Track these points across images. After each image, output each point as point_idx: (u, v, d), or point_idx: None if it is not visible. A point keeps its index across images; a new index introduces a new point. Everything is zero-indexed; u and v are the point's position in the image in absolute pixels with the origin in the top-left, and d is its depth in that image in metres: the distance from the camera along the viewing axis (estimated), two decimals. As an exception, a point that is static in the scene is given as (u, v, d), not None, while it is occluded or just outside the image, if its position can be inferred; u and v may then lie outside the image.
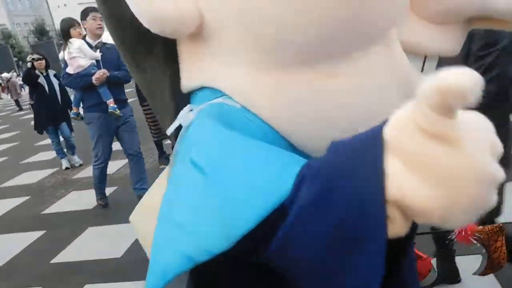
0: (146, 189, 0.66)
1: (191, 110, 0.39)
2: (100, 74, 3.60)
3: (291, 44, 0.33)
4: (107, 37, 3.62)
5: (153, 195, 0.51)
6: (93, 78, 3.57)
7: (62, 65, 3.92)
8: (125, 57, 0.53)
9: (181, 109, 0.40)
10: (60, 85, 5.29)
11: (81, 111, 3.95)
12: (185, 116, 0.38)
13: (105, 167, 3.89)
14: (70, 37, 3.67)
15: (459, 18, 0.38)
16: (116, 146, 3.95)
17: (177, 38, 0.39)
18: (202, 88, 0.40)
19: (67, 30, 3.71)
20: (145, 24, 0.36)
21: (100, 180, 3.95)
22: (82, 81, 3.63)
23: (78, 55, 3.61)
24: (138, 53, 0.46)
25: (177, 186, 0.37)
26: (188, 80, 0.41)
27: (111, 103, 3.65)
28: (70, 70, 3.63)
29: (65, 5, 48.46)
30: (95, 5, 0.57)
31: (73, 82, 3.71)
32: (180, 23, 0.34)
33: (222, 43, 0.37)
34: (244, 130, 0.34)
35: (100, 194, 4.04)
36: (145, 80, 0.49)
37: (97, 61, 3.65)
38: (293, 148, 0.36)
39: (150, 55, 0.44)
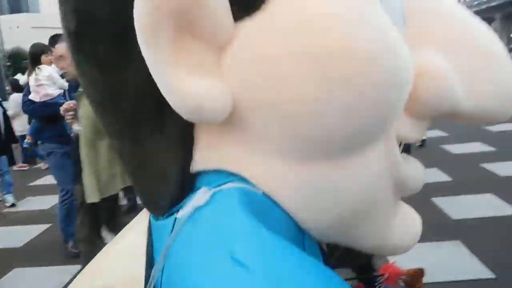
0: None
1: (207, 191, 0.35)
2: (70, 105, 3.30)
3: (329, 141, 0.33)
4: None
5: (125, 239, 0.48)
6: (62, 109, 3.26)
7: (24, 91, 3.73)
8: (113, 124, 0.39)
9: (186, 186, 0.37)
10: (4, 114, 4.92)
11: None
12: (202, 197, 0.34)
13: (74, 201, 3.54)
14: (40, 63, 3.47)
15: (432, 116, 0.41)
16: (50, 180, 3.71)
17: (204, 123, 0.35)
18: (215, 170, 0.36)
19: (38, 55, 3.50)
20: (175, 108, 0.31)
21: (70, 221, 3.47)
22: (49, 110, 3.39)
23: (46, 83, 3.41)
24: (141, 128, 0.37)
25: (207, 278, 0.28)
26: (203, 160, 0.36)
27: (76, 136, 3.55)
28: (34, 97, 3.40)
29: (18, 27, 46.92)
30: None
31: (37, 110, 3.47)
32: (214, 113, 0.31)
33: (249, 130, 0.34)
34: (269, 216, 0.33)
35: (68, 234, 3.59)
36: (139, 154, 0.39)
37: (64, 91, 3.51)
38: (298, 228, 0.36)
39: (158, 134, 0.36)
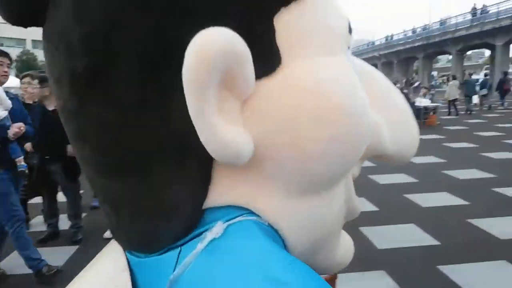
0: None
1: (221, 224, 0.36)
2: (20, 128, 3.20)
3: (326, 178, 0.40)
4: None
5: (99, 265, 0.47)
6: (11, 132, 3.11)
7: None
8: (109, 160, 0.38)
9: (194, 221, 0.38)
10: None
11: None
12: (218, 230, 0.36)
13: (24, 227, 3.33)
14: None
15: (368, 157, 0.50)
16: None
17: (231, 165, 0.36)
18: (224, 205, 0.38)
19: None
20: (214, 153, 0.33)
21: (27, 246, 3.28)
22: None
23: None
24: (154, 166, 0.36)
25: None
26: (216, 197, 0.38)
27: (20, 161, 3.26)
28: None
29: None
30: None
31: None
32: (245, 158, 0.35)
33: (261, 170, 0.38)
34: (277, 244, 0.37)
35: (37, 260, 3.32)
36: (144, 190, 0.37)
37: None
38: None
39: (176, 172, 0.36)
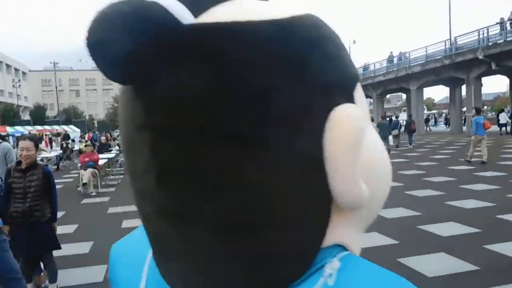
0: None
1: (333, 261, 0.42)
2: None
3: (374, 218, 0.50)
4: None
5: None
6: None
7: None
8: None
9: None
10: None
11: None
12: (335, 265, 0.41)
13: None
14: None
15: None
16: None
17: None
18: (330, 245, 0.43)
19: None
20: (353, 202, 0.41)
21: None
22: None
23: None
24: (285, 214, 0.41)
25: None
26: (333, 237, 0.42)
27: None
28: None
29: None
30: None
31: None
32: (362, 205, 0.42)
33: (360, 214, 0.44)
34: None
35: None
36: (262, 243, 0.41)
37: None
38: None
39: (304, 218, 0.41)
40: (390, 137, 18.48)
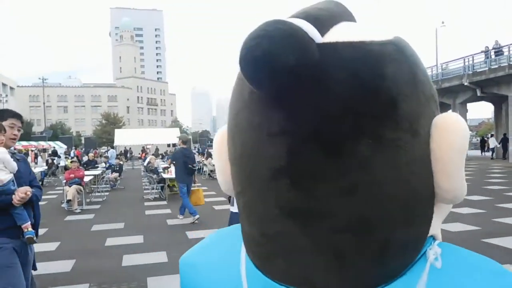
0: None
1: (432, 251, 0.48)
2: (27, 193, 2.83)
3: None
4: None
5: None
6: (16, 198, 2.76)
7: None
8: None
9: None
10: None
11: None
12: (436, 250, 0.48)
13: None
14: None
15: None
16: None
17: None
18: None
19: None
20: (460, 195, 0.48)
21: None
22: (1, 200, 2.79)
23: None
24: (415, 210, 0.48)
25: None
26: (430, 229, 0.49)
27: (27, 227, 2.88)
28: None
29: None
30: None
31: None
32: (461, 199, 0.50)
33: (448, 206, 0.53)
34: None
35: None
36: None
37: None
38: None
39: (426, 215, 0.49)
40: None
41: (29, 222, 2.94)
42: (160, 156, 26.84)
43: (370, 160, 0.43)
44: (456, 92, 26.54)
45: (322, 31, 0.45)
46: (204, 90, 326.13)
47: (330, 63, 0.42)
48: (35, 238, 2.97)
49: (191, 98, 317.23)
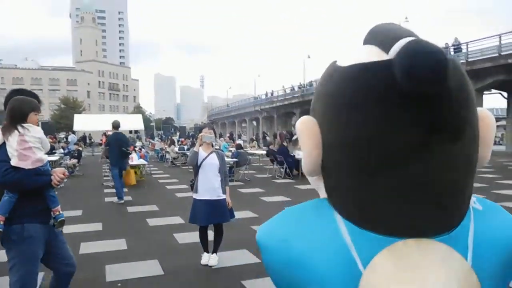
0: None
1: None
2: (65, 173, 2.82)
3: None
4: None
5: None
6: (56, 178, 2.70)
7: None
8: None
9: None
10: None
11: None
12: (474, 201, 0.75)
13: None
14: (26, 122, 2.71)
15: None
16: None
17: None
18: None
19: (26, 112, 2.72)
20: (481, 165, 0.73)
21: None
22: (40, 180, 2.70)
23: (36, 146, 2.68)
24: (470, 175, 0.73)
25: None
26: None
27: (58, 210, 2.83)
28: (20, 163, 2.60)
29: None
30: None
31: (27, 180, 2.63)
32: None
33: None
34: None
35: None
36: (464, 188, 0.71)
37: None
38: None
39: (472, 178, 0.72)
40: None
41: (59, 205, 2.86)
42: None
43: (471, 140, 0.67)
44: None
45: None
46: (168, 77, 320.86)
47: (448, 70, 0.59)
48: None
49: (154, 85, 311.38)
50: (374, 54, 0.64)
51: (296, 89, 44.43)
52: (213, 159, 4.74)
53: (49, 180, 2.72)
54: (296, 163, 14.27)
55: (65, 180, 2.83)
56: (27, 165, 2.62)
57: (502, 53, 21.15)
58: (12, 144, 2.61)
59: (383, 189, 0.63)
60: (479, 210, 0.72)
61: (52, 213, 2.81)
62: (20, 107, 2.72)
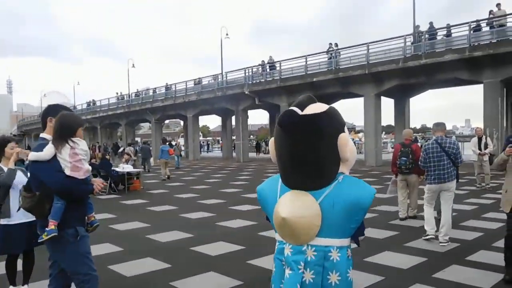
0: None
1: None
2: (103, 183, 3.27)
3: None
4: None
5: None
6: (97, 187, 3.10)
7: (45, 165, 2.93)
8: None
9: None
10: None
11: None
12: (340, 177, 1.87)
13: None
14: (75, 136, 3.01)
15: None
16: None
17: None
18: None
19: (75, 128, 3.03)
20: (345, 160, 1.90)
21: None
22: (87, 189, 3.05)
23: (84, 158, 3.02)
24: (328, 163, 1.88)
25: None
26: (339, 170, 1.87)
27: (94, 216, 3.22)
28: (74, 174, 2.93)
29: None
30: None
31: (79, 188, 2.97)
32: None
33: (349, 163, 1.93)
34: None
35: None
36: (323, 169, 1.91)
37: None
38: None
39: (337, 165, 1.92)
40: (151, 159, 22.79)
41: (93, 212, 3.24)
42: None
43: (320, 148, 1.80)
44: (239, 99, 29.17)
45: (302, 109, 1.83)
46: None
47: (301, 121, 1.80)
48: None
49: None
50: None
51: (126, 98, 42.70)
52: (22, 177, 4.17)
53: (92, 189, 3.06)
54: (120, 177, 13.64)
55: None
56: (80, 175, 2.96)
57: (308, 72, 24.25)
58: (65, 156, 2.93)
59: (287, 169, 1.87)
60: (339, 182, 1.80)
61: (87, 218, 3.17)
62: (70, 123, 3.02)
